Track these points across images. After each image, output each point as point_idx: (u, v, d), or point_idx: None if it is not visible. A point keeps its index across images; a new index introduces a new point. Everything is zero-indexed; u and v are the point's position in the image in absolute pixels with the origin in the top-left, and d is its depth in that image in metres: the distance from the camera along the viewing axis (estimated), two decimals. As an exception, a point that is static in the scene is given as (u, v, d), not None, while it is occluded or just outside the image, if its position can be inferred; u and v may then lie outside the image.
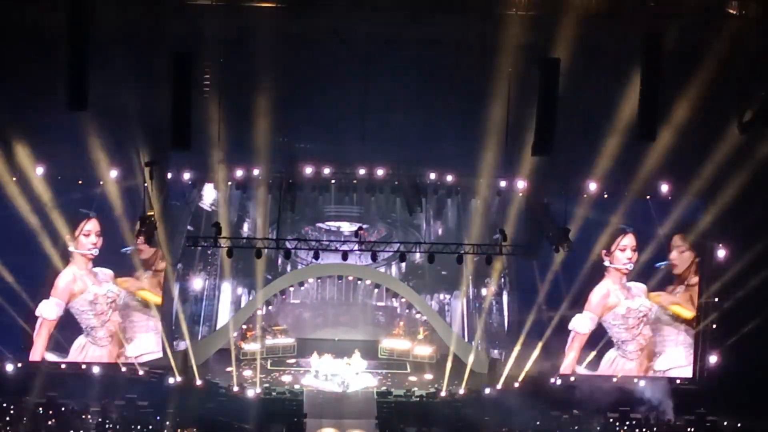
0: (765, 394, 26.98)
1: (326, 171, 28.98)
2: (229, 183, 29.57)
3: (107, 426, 26.01)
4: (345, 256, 26.72)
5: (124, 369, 28.94)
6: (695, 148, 26.12)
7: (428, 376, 31.04)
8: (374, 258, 27.46)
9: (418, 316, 32.60)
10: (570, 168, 26.40)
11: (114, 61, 23.22)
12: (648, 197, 28.56)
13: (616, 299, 29.30)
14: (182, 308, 30.08)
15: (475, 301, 32.02)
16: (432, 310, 32.27)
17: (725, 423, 27.23)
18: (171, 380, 28.73)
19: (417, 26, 24.01)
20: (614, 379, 29.45)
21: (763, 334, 27.91)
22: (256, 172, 28.71)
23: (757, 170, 26.16)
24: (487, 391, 29.30)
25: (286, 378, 30.62)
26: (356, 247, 27.96)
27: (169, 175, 27.83)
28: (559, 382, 29.54)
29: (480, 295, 31.82)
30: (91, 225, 28.25)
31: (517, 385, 29.24)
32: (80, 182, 27.84)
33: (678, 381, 29.54)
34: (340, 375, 30.00)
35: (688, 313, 29.39)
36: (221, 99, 24.77)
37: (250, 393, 28.87)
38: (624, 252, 28.96)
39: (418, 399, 29.07)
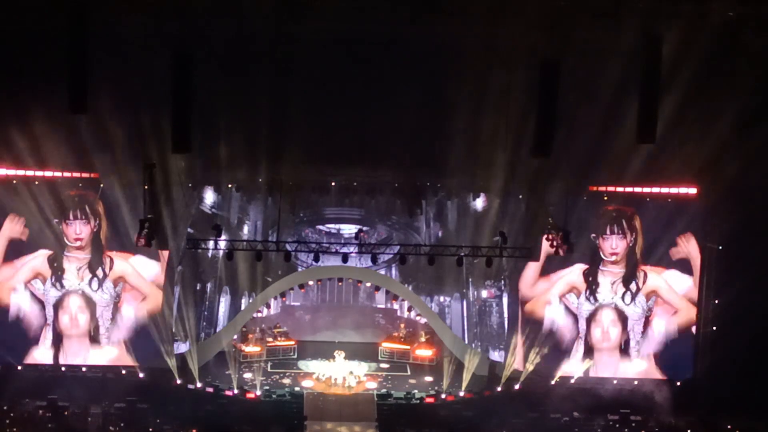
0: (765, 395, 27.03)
1: (326, 173, 28.98)
2: (230, 185, 29.59)
3: (108, 428, 26.00)
4: (345, 258, 26.72)
5: (123, 372, 28.97)
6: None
7: (428, 378, 31.02)
8: (374, 260, 27.45)
9: (418, 318, 32.61)
10: (570, 169, 26.39)
11: (114, 62, 23.29)
12: (648, 199, 28.59)
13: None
14: (182, 311, 30.11)
15: (475, 303, 32.02)
16: (432, 312, 32.26)
17: (728, 426, 27.18)
18: (171, 383, 28.75)
19: (417, 28, 24.03)
20: (614, 381, 29.46)
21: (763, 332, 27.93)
22: (256, 174, 28.70)
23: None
24: (487, 393, 29.29)
25: (287, 380, 30.62)
26: (356, 249, 27.95)
27: (169, 178, 27.82)
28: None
29: (480, 297, 31.81)
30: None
31: (516, 387, 29.26)
32: (80, 185, 27.92)
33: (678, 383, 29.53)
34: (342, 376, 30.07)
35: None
36: (221, 101, 24.77)
37: (251, 395, 28.86)
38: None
39: (418, 401, 29.05)
